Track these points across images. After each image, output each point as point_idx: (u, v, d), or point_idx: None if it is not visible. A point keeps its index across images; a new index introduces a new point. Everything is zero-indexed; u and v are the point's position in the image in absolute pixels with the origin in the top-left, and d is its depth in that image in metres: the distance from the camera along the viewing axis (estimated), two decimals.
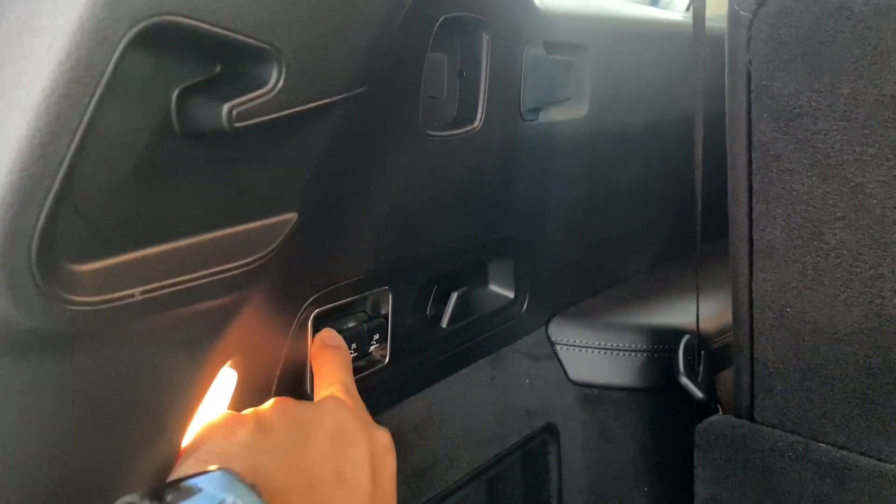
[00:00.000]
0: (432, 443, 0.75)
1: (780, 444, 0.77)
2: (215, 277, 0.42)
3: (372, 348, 0.67)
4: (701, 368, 0.85)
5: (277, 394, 0.56)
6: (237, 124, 0.38)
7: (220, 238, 0.42)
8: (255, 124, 0.40)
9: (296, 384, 0.59)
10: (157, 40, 0.34)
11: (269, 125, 0.41)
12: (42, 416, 0.38)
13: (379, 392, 0.69)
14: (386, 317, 0.68)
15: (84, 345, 0.38)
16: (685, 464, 0.84)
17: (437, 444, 0.76)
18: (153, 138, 0.38)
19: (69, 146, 0.32)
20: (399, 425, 0.72)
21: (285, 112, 0.41)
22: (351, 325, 0.65)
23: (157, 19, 0.33)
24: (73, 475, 0.41)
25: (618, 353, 0.92)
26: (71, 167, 0.32)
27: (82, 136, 0.32)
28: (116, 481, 0.42)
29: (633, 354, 0.91)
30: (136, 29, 0.33)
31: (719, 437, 0.81)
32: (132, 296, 0.38)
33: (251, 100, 0.39)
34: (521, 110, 0.75)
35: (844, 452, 0.74)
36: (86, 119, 0.32)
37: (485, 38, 0.67)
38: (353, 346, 0.65)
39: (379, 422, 0.57)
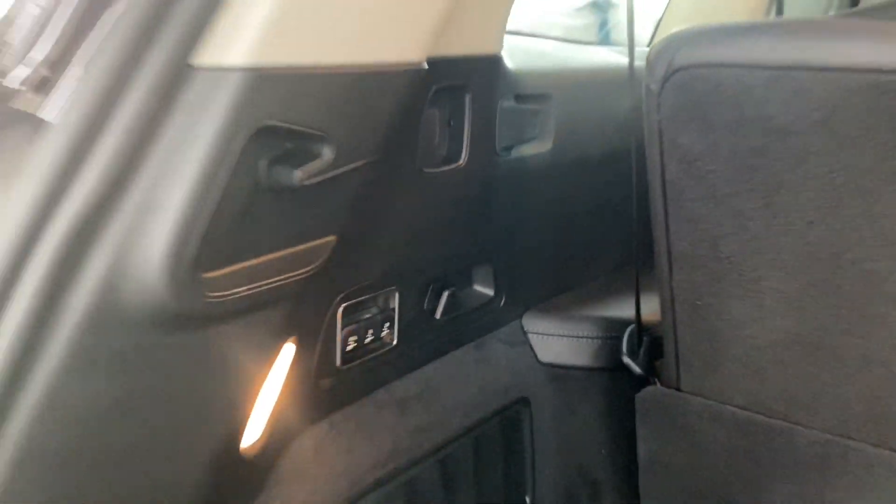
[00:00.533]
0: (430, 407, 0.97)
1: (700, 408, 0.99)
2: (286, 281, 0.64)
3: (383, 333, 0.89)
4: (641, 351, 1.07)
5: (318, 362, 0.78)
6: (303, 183, 0.60)
7: (289, 254, 0.64)
8: (314, 182, 0.61)
9: (330, 356, 0.81)
10: (261, 134, 0.56)
11: (322, 182, 0.62)
12: (178, 374, 0.60)
13: (389, 367, 0.91)
14: (394, 310, 0.89)
15: (209, 324, 0.60)
16: (634, 430, 1.06)
17: (433, 409, 0.97)
18: (251, 192, 0.59)
19: (217, 196, 0.54)
20: (404, 393, 0.94)
21: (332, 174, 0.63)
22: (367, 315, 0.87)
23: (265, 123, 0.55)
24: (194, 414, 0.62)
25: (578, 340, 1.14)
26: (216, 210, 0.54)
27: (223, 190, 0.54)
28: (219, 423, 0.64)
29: (590, 341, 1.14)
30: (253, 131, 0.55)
31: (654, 405, 1.03)
32: (238, 293, 0.60)
33: (312, 167, 0.61)
34: (497, 149, 0.97)
35: (748, 413, 0.96)
36: (225, 180, 0.54)
37: (467, 97, 0.89)
38: (370, 331, 0.86)
39: (388, 391, 0.78)
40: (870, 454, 0.90)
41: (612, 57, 1.31)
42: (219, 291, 0.58)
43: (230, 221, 0.58)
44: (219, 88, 0.53)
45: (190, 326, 0.59)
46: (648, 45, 1.82)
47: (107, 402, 0.56)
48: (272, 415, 0.73)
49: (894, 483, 0.90)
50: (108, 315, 0.53)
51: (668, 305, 0.95)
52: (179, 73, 0.52)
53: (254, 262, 0.61)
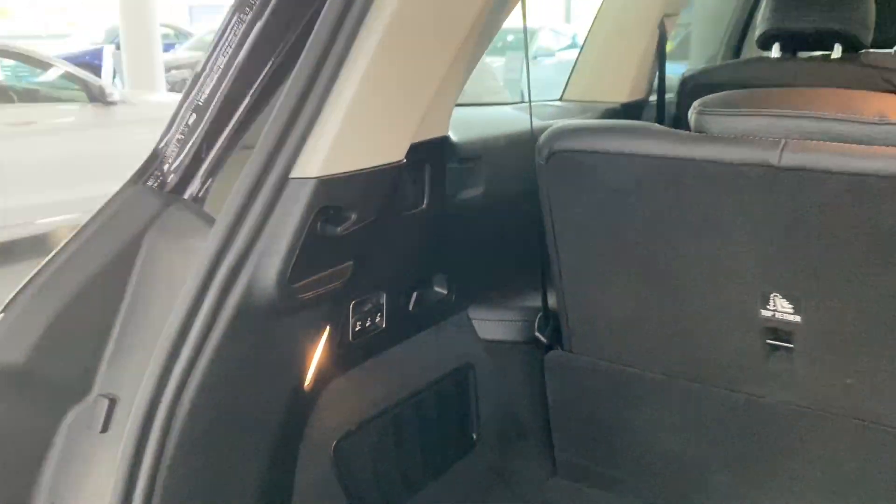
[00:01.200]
0: (407, 368, 1.46)
1: (585, 364, 1.51)
2: (329, 288, 1.13)
3: (376, 320, 1.37)
4: (547, 328, 1.58)
5: (340, 337, 1.27)
6: (340, 234, 1.09)
7: (330, 273, 1.13)
8: (345, 233, 1.10)
9: (345, 334, 1.29)
10: (320, 210, 1.05)
11: (349, 232, 1.11)
12: (279, 340, 1.08)
13: (380, 341, 1.40)
14: (382, 305, 1.38)
15: (295, 312, 1.08)
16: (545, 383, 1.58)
17: (409, 369, 1.47)
18: (315, 239, 1.07)
19: (299, 244, 1.02)
20: (390, 358, 1.43)
21: (354, 227, 1.12)
22: (366, 308, 1.35)
23: (323, 205, 1.04)
24: (286, 363, 1.11)
25: (506, 323, 1.65)
26: (300, 251, 1.03)
27: (303, 241, 1.03)
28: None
29: (514, 323, 1.65)
30: (317, 210, 1.03)
31: (557, 364, 1.55)
32: (308, 295, 1.08)
33: (345, 225, 1.10)
34: (447, 194, 1.47)
35: (614, 365, 1.48)
36: (303, 237, 1.03)
37: (427, 166, 1.38)
38: (368, 319, 1.35)
39: (380, 356, 1.27)
40: (689, 388, 1.43)
41: (525, 117, 1.83)
42: (301, 294, 1.06)
43: (305, 255, 1.06)
44: (302, 189, 1.02)
45: (286, 313, 1.07)
46: (561, 97, 2.36)
47: (247, 356, 1.04)
48: (317, 368, 1.21)
49: (706, 407, 1.44)
50: (248, 308, 1.01)
51: (561, 296, 1.47)
52: (282, 184, 1.00)
53: (315, 277, 1.10)
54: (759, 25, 2.32)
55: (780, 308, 1.27)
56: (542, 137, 1.35)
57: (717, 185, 1.23)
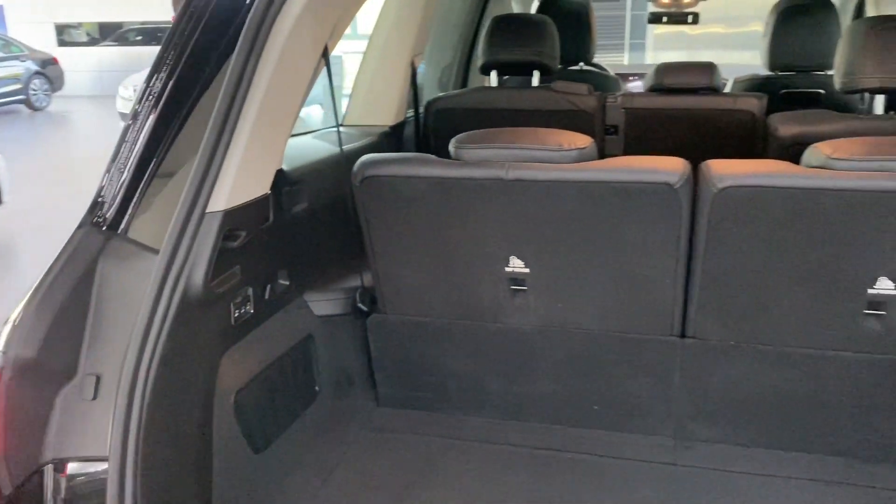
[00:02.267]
0: (269, 342, 1.98)
1: (395, 320, 2.15)
2: (226, 287, 1.64)
3: (248, 307, 1.88)
4: (367, 300, 2.19)
5: (226, 322, 1.77)
6: (233, 247, 1.61)
7: (228, 276, 1.64)
8: (237, 246, 1.62)
9: (229, 319, 1.79)
10: (225, 236, 1.56)
11: (238, 247, 1.63)
12: (206, 321, 1.58)
13: (252, 322, 1.91)
14: (250, 296, 1.89)
15: (212, 304, 1.59)
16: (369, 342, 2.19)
17: (270, 343, 1.99)
18: (221, 252, 1.58)
19: (215, 258, 1.54)
20: (261, 333, 1.94)
21: (240, 244, 1.64)
22: (239, 300, 1.86)
23: (227, 232, 1.56)
24: (211, 335, 1.61)
25: (334, 300, 2.23)
26: (216, 262, 1.54)
27: (217, 256, 1.54)
28: None
29: (341, 300, 2.23)
30: (223, 235, 1.55)
31: (375, 324, 2.17)
32: (218, 291, 1.59)
33: (238, 242, 1.62)
34: (284, 211, 2.01)
35: (414, 317, 2.14)
36: (216, 253, 1.54)
37: (271, 193, 1.92)
38: (244, 306, 1.85)
39: (254, 332, 1.81)
40: (466, 326, 2.13)
41: (327, 144, 2.42)
42: (215, 290, 1.57)
43: (216, 264, 1.56)
44: (215, 220, 1.52)
45: (207, 304, 1.56)
46: (343, 121, 2.96)
47: (187, 334, 1.52)
48: (219, 342, 1.71)
49: (478, 337, 2.14)
50: (187, 301, 1.50)
51: (376, 275, 2.10)
52: (202, 218, 1.50)
53: (221, 277, 1.60)
54: (480, 57, 3.13)
55: (516, 266, 2.01)
56: (356, 165, 1.96)
57: (471, 192, 1.93)
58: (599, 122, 2.95)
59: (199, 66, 1.60)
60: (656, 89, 3.03)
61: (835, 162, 1.74)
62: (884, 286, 1.78)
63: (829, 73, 3.66)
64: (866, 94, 2.52)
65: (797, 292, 1.86)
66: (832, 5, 3.95)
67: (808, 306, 1.87)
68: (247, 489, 1.82)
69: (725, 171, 1.79)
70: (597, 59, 4.74)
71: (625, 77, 5.58)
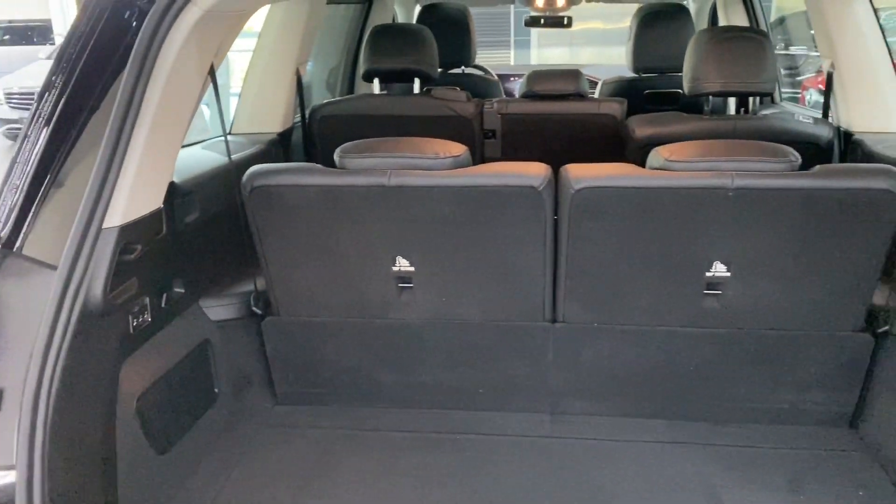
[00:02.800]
0: (167, 348, 2.06)
1: (288, 321, 2.27)
2: (124, 297, 1.72)
3: (145, 315, 1.96)
4: (261, 303, 2.30)
5: (124, 331, 1.85)
6: (129, 259, 1.70)
7: (125, 287, 1.72)
8: (134, 259, 1.71)
9: (127, 328, 1.87)
10: (122, 249, 1.65)
11: (136, 258, 1.72)
12: (105, 329, 1.66)
13: (152, 328, 1.98)
14: (147, 304, 1.97)
15: (110, 314, 1.67)
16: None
17: (168, 349, 2.07)
18: (118, 265, 1.67)
19: (112, 270, 1.62)
20: (156, 342, 2.01)
21: (137, 257, 1.73)
22: (137, 308, 1.94)
23: (124, 246, 1.65)
24: (117, 341, 1.69)
25: (229, 305, 2.32)
26: (112, 276, 1.63)
27: (115, 267, 1.63)
28: None
29: (236, 305, 2.32)
30: (120, 249, 1.64)
31: (270, 326, 2.28)
32: (116, 302, 1.67)
33: (137, 254, 1.70)
34: (177, 221, 2.10)
35: (311, 319, 2.27)
36: (114, 265, 1.63)
37: (164, 206, 2.00)
38: (140, 315, 1.93)
39: (151, 342, 1.90)
40: (357, 323, 2.27)
41: (216, 155, 2.50)
42: (113, 301, 1.65)
43: (113, 276, 1.64)
44: (112, 235, 1.61)
45: (106, 314, 1.64)
46: (232, 129, 3.03)
47: (86, 343, 1.60)
48: (118, 350, 1.79)
49: (369, 333, 2.29)
50: (87, 312, 1.58)
51: (269, 280, 2.21)
52: (98, 233, 1.58)
53: (119, 289, 1.68)
54: (362, 65, 3.28)
55: (402, 265, 2.17)
56: (245, 177, 2.07)
57: (356, 199, 2.08)
58: (478, 126, 3.16)
59: (90, 85, 1.67)
60: (528, 95, 3.27)
61: (672, 164, 1.99)
62: (718, 270, 2.06)
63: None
64: (710, 97, 2.84)
65: (648, 278, 2.11)
66: (688, 12, 4.32)
67: (657, 289, 2.12)
68: (151, 489, 1.90)
69: (581, 174, 2.02)
70: (484, 56, 4.98)
71: (507, 78, 5.84)
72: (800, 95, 9.19)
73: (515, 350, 2.27)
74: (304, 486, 2.04)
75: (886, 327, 2.10)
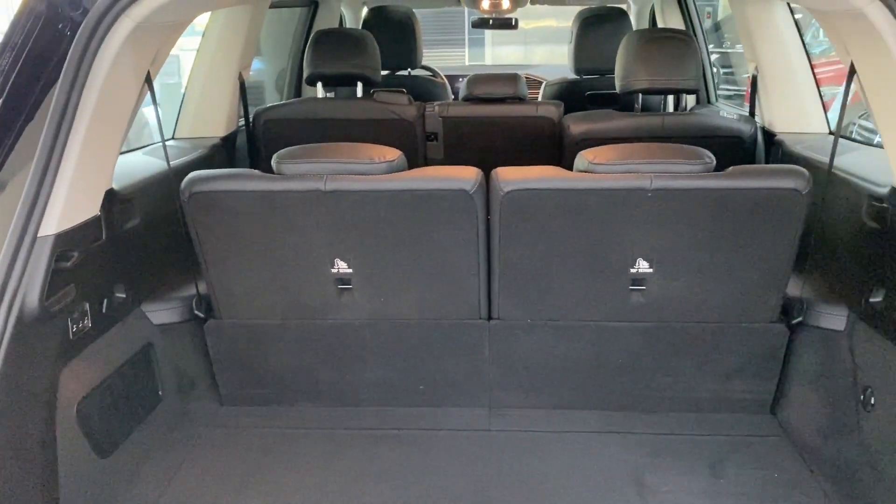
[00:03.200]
0: (109, 353, 2.09)
1: (229, 324, 2.32)
2: (61, 304, 1.76)
3: (85, 321, 1.99)
4: (203, 306, 2.34)
5: (63, 337, 1.88)
6: (66, 267, 1.73)
7: (63, 294, 1.76)
8: (68, 267, 1.74)
9: (67, 334, 1.90)
10: (57, 256, 1.68)
11: (68, 267, 1.75)
12: (41, 335, 1.69)
13: (89, 337, 2.01)
14: (87, 311, 1.99)
15: (48, 321, 1.70)
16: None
17: (111, 353, 2.10)
18: (55, 275, 1.70)
19: (49, 277, 1.66)
20: (97, 347, 2.04)
21: (74, 264, 1.76)
22: (76, 315, 1.96)
23: (60, 254, 1.68)
24: (53, 344, 1.72)
25: (171, 310, 2.35)
26: (49, 283, 1.66)
27: (51, 276, 1.66)
28: None
29: (178, 309, 2.36)
30: (54, 259, 1.67)
31: (213, 328, 2.33)
32: (53, 309, 1.71)
33: (73, 262, 1.74)
34: (116, 226, 2.13)
35: (253, 321, 2.31)
36: (49, 278, 1.66)
37: (103, 213, 2.03)
38: (80, 321, 1.96)
39: (91, 347, 1.93)
40: (298, 324, 2.33)
41: (156, 160, 2.53)
42: (50, 308, 1.68)
43: (49, 283, 1.68)
44: (47, 243, 1.64)
45: (42, 321, 1.67)
46: (173, 136, 3.05)
47: (24, 349, 1.63)
48: (58, 356, 1.82)
49: (309, 334, 2.35)
50: (24, 319, 1.61)
51: (210, 284, 2.25)
52: (34, 242, 1.62)
53: (56, 297, 1.72)
54: (305, 70, 3.33)
55: (341, 267, 2.23)
56: (184, 183, 2.11)
57: (294, 203, 2.13)
58: (420, 129, 3.23)
59: (23, 95, 1.69)
60: (468, 99, 3.35)
61: (595, 166, 2.09)
62: (642, 266, 2.16)
63: None
64: (640, 95, 2.98)
65: (576, 275, 2.21)
66: (627, 15, 4.45)
67: (585, 286, 2.22)
68: (94, 493, 1.93)
69: (510, 177, 2.10)
70: (438, 54, 5.11)
71: (456, 79, 5.92)
72: (745, 92, 9.43)
73: (453, 347, 2.35)
74: (248, 484, 2.09)
75: (800, 318, 2.23)
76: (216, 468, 2.17)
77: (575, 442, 2.26)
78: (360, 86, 3.35)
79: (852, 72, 1.94)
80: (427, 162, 3.28)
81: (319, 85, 3.34)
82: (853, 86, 1.99)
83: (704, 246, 2.13)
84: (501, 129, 3.28)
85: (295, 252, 2.21)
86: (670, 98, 3.20)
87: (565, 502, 1.99)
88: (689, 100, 3.62)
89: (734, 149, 2.89)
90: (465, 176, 2.12)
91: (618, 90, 2.97)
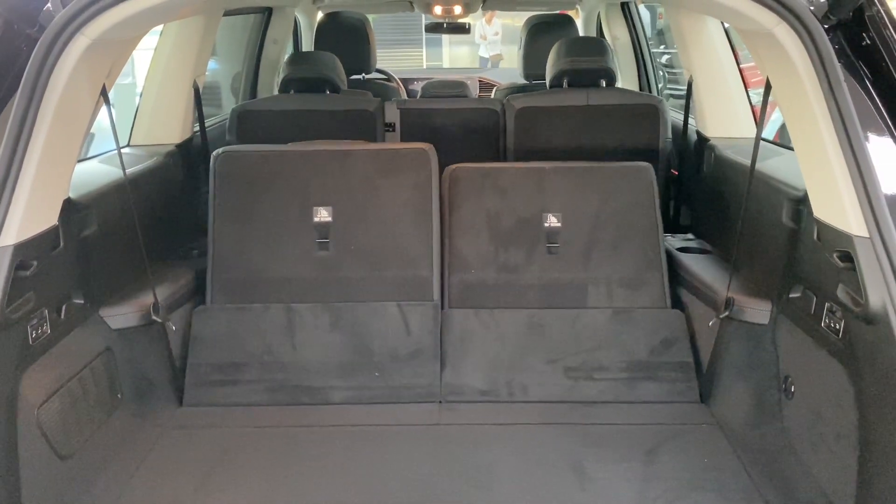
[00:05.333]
0: (68, 358, 2.14)
1: (219, 308, 2.39)
2: (21, 311, 1.82)
3: (44, 328, 2.05)
4: (161, 307, 2.41)
5: (23, 342, 1.94)
6: (26, 275, 1.79)
7: (22, 301, 1.82)
8: (29, 275, 1.81)
9: (27, 340, 1.96)
10: (16, 265, 1.75)
11: (30, 275, 1.82)
12: (7, 343, 1.75)
13: (48, 342, 2.07)
14: (46, 317, 2.05)
15: (9, 327, 1.76)
16: (180, 340, 2.44)
17: (69, 359, 2.15)
18: (17, 280, 1.76)
19: (8, 288, 1.72)
20: (57, 353, 2.09)
21: (33, 272, 1.83)
22: (35, 321, 2.02)
23: (19, 262, 1.74)
24: (21, 345, 1.78)
25: (128, 315, 2.41)
26: (8, 294, 1.73)
27: (11, 284, 1.73)
28: None
29: (135, 313, 2.42)
30: (17, 263, 1.74)
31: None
32: (13, 317, 1.77)
33: (34, 269, 1.80)
34: (73, 235, 2.19)
35: (238, 305, 2.42)
36: (9, 284, 1.73)
37: (61, 222, 2.09)
38: (39, 327, 2.02)
39: (51, 353, 2.00)
40: (287, 308, 2.44)
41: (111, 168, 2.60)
42: (12, 315, 1.75)
43: (6, 295, 1.74)
44: (7, 253, 1.71)
45: (4, 328, 1.73)
46: (129, 143, 3.10)
47: None
48: (19, 361, 1.88)
49: (296, 319, 2.45)
50: None
51: (212, 247, 2.35)
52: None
53: (17, 304, 1.78)
54: (283, 72, 3.60)
55: (322, 216, 2.49)
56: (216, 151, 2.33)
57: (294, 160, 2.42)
58: (380, 119, 3.61)
59: None
60: (424, 97, 3.82)
61: None
62: (552, 221, 2.73)
63: None
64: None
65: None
66: (573, 22, 4.62)
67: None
68: (56, 494, 1.99)
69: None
70: (396, 55, 5.69)
71: (410, 81, 6.05)
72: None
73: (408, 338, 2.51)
74: (206, 483, 2.16)
75: (727, 313, 2.39)
76: (173, 468, 2.23)
77: (519, 433, 2.38)
78: (327, 92, 3.56)
79: (769, 85, 2.09)
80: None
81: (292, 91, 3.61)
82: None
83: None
84: (451, 119, 3.65)
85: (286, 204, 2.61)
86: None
87: (509, 491, 2.11)
88: None
89: (647, 117, 3.46)
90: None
91: (548, 84, 3.70)
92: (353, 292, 2.68)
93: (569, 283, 2.71)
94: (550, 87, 3.69)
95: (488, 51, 13.72)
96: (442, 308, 2.57)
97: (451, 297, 2.70)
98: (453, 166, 2.81)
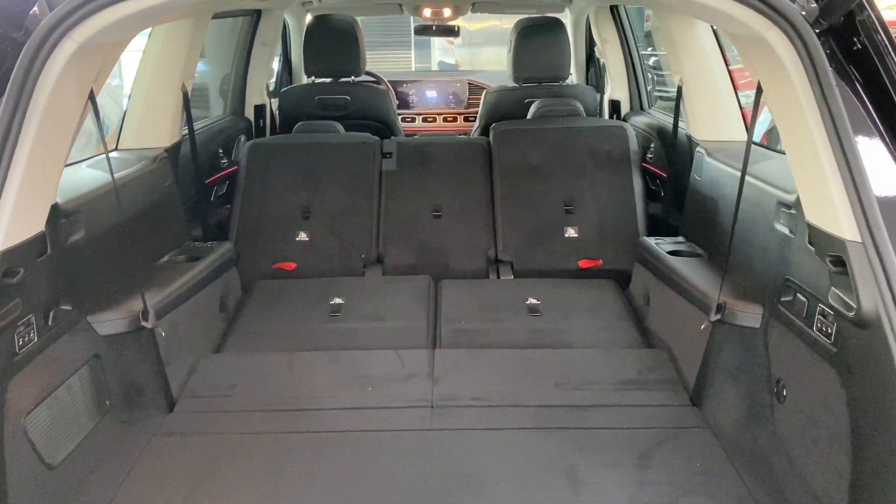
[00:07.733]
0: (57, 365, 2.12)
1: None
2: (7, 319, 1.79)
3: (31, 335, 2.02)
4: (150, 313, 2.38)
5: (10, 350, 1.91)
6: (10, 283, 1.77)
7: (9, 308, 1.79)
8: (11, 283, 1.78)
9: (13, 348, 1.93)
10: (4, 272, 1.72)
11: (17, 282, 1.79)
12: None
13: (36, 350, 2.05)
14: (34, 324, 2.03)
15: None
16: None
17: (59, 365, 2.12)
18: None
19: None
20: (45, 360, 2.07)
21: (20, 279, 1.80)
22: (21, 329, 2.00)
23: (6, 269, 1.72)
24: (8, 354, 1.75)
25: (115, 321, 2.38)
26: None
27: None
28: None
29: (125, 319, 2.39)
30: (2, 271, 1.71)
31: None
32: (1, 325, 1.74)
33: (15, 279, 1.78)
34: (60, 241, 2.16)
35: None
36: None
37: (48, 228, 2.07)
38: (26, 335, 1.99)
39: (38, 360, 1.97)
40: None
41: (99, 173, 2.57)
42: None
43: None
44: None
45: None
46: (117, 147, 3.07)
47: None
48: (9, 361, 1.85)
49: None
50: None
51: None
52: None
53: (2, 311, 1.75)
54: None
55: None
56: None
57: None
58: (379, 149, 3.87)
59: None
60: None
61: None
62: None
63: (561, 83, 4.40)
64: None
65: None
66: (563, 24, 4.61)
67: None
68: (42, 502, 1.97)
69: None
70: (385, 56, 5.94)
71: (399, 83, 6.04)
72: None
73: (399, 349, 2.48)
74: (196, 491, 2.14)
75: (719, 316, 2.39)
76: (163, 476, 2.21)
77: (510, 437, 2.37)
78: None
79: (760, 89, 2.10)
80: (383, 172, 3.85)
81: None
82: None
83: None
84: (441, 148, 3.98)
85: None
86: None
87: (502, 496, 2.10)
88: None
89: (617, 136, 3.82)
90: None
91: (512, 79, 4.47)
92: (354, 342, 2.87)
93: (552, 330, 2.97)
94: (514, 81, 4.47)
95: (452, 57, 14.03)
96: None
97: (443, 341, 2.91)
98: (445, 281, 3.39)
